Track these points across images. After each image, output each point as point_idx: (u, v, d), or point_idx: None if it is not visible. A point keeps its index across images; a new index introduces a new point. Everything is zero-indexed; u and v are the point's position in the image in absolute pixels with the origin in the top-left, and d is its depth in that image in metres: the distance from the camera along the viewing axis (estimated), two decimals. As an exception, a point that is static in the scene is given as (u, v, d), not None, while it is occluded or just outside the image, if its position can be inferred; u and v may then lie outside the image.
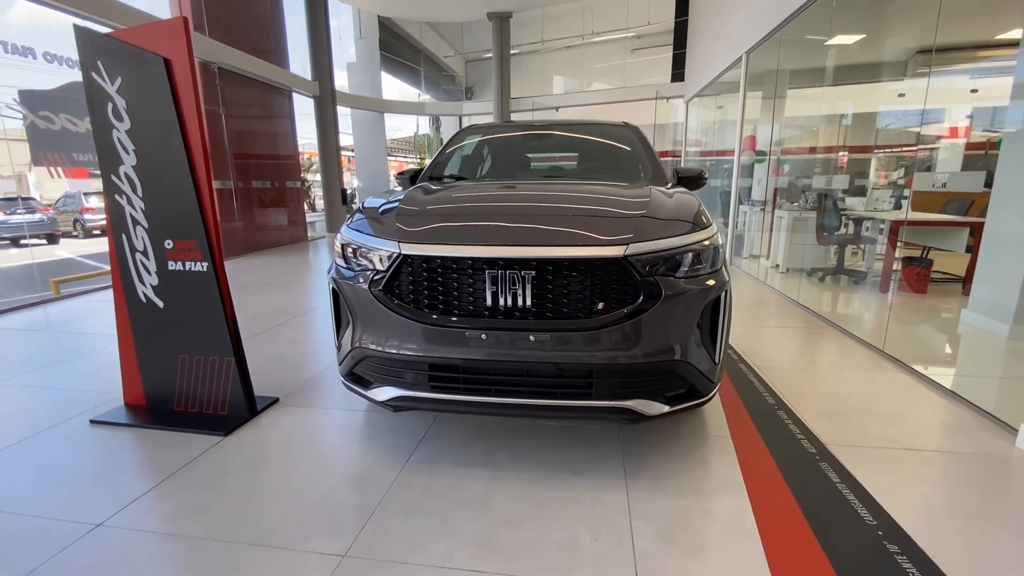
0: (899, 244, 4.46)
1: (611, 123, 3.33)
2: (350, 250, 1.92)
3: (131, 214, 2.23)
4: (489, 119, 11.32)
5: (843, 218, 5.09)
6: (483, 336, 1.69)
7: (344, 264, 1.94)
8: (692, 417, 2.34)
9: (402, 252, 1.73)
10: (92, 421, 2.32)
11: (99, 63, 2.11)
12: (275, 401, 2.53)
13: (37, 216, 13.16)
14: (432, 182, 2.81)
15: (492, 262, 1.67)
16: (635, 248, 1.66)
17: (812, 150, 6.58)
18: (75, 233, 14.76)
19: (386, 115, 12.03)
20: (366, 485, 1.85)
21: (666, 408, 1.78)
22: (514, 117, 11.26)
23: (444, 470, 1.94)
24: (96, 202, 13.35)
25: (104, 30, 2.20)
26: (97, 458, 2.05)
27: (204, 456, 2.05)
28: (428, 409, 1.89)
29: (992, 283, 3.46)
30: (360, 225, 1.95)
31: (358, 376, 1.94)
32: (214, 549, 1.53)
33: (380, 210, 2.02)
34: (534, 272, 1.66)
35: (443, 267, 1.73)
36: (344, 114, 10.78)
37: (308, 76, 8.97)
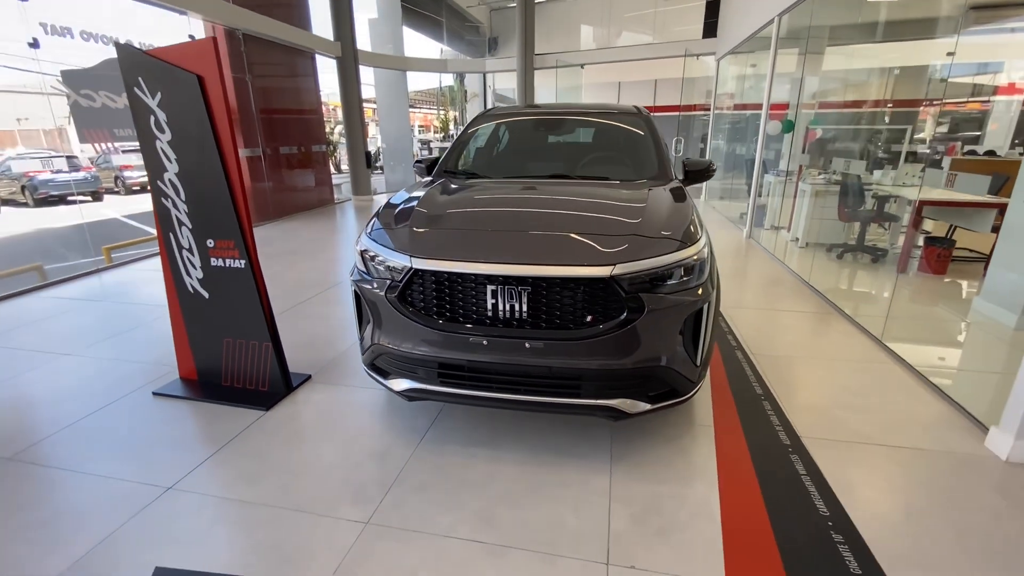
0: (921, 223, 4.40)
1: (623, 110, 3.36)
2: (369, 256, 2.14)
3: (176, 216, 2.49)
4: (512, 76, 11.03)
5: (864, 194, 4.99)
6: (484, 342, 1.91)
7: (364, 269, 2.16)
8: (681, 406, 2.55)
9: (414, 267, 1.94)
10: (154, 393, 2.70)
11: (140, 79, 2.30)
12: (308, 378, 2.85)
13: (82, 174, 13.76)
14: (448, 176, 2.97)
15: (492, 278, 1.86)
16: (621, 268, 1.82)
17: (848, 106, 6.34)
18: (117, 190, 15.42)
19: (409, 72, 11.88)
20: (386, 461, 2.16)
21: (648, 407, 1.99)
22: (537, 75, 10.95)
23: (453, 449, 2.23)
24: (135, 159, 13.77)
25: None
26: (162, 428, 2.42)
27: (250, 429, 2.39)
28: (438, 400, 2.16)
29: (1007, 269, 3.45)
30: (378, 235, 2.15)
31: (378, 367, 2.21)
32: (264, 513, 1.87)
33: (396, 218, 2.21)
34: (530, 288, 1.85)
35: (450, 280, 1.93)
36: (368, 70, 10.70)
37: (331, 37, 8.90)
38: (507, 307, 1.88)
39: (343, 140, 10.30)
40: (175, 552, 1.69)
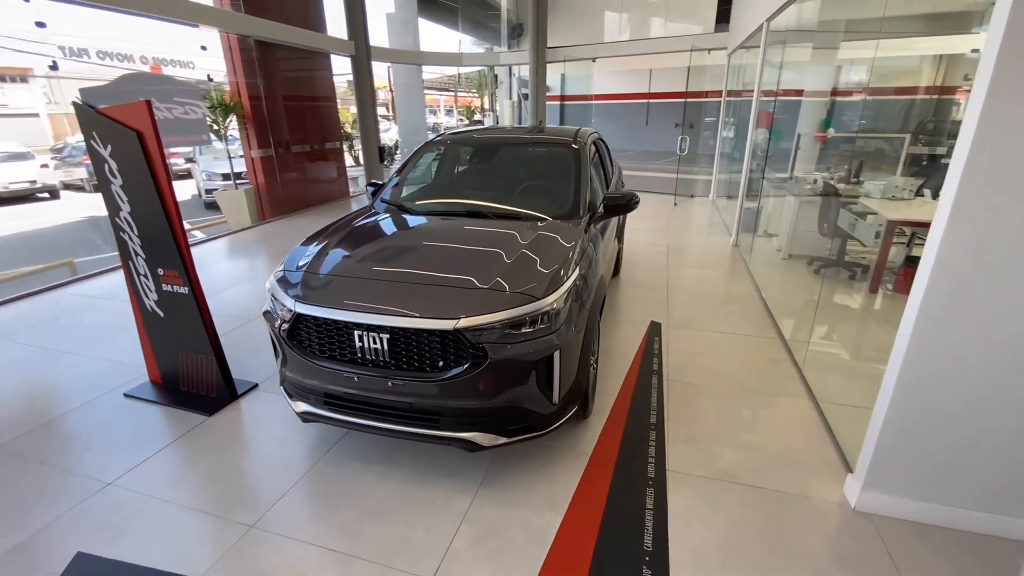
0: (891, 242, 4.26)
1: (558, 141, 3.48)
2: (271, 296, 2.44)
3: (132, 248, 2.88)
4: (525, 70, 11.00)
5: (841, 207, 4.84)
6: (355, 379, 2.18)
7: (271, 305, 2.47)
8: (572, 431, 2.74)
9: (295, 311, 2.23)
10: (125, 394, 3.16)
11: (94, 133, 2.67)
12: (255, 386, 3.23)
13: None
14: (380, 205, 3.23)
15: (357, 325, 2.12)
16: (465, 322, 2.03)
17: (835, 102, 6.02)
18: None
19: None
20: (289, 470, 2.49)
21: (503, 440, 2.21)
22: (549, 68, 10.86)
23: (350, 464, 2.54)
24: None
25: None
26: (121, 427, 2.85)
27: (190, 433, 2.80)
28: (328, 423, 2.45)
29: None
30: (279, 277, 2.45)
31: (286, 389, 2.54)
32: (175, 513, 2.25)
33: (297, 265, 2.50)
34: (388, 335, 2.10)
35: (325, 324, 2.21)
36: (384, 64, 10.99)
37: (345, 36, 9.21)
38: (371, 349, 2.14)
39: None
40: (98, 541, 2.10)
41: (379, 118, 10.15)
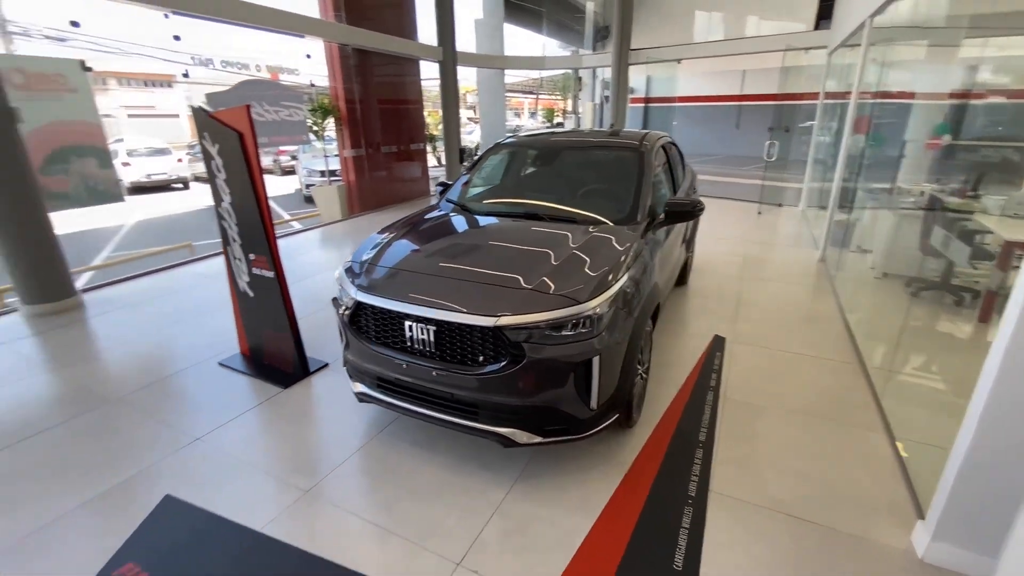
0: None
1: (623, 145, 3.44)
2: (339, 284, 2.67)
3: (231, 234, 3.28)
4: (607, 72, 10.85)
5: (951, 223, 4.27)
6: (404, 365, 2.33)
7: (339, 292, 2.71)
8: (614, 438, 2.71)
9: (356, 299, 2.42)
10: (219, 363, 3.60)
11: (206, 133, 3.08)
12: (325, 365, 3.54)
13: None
14: (446, 205, 3.39)
15: (407, 316, 2.27)
16: (505, 321, 2.09)
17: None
18: (272, 170, 18.37)
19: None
20: (344, 445, 2.71)
21: (538, 439, 2.25)
22: (633, 70, 10.63)
23: (398, 445, 2.71)
24: (289, 148, 16.27)
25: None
26: (214, 391, 3.26)
27: (267, 402, 3.13)
28: (379, 405, 2.63)
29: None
30: (346, 267, 2.68)
31: (348, 370, 2.76)
32: (247, 470, 2.54)
33: (362, 257, 2.71)
34: (435, 327, 2.22)
35: (380, 313, 2.38)
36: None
37: (435, 42, 9.69)
38: (419, 339, 2.28)
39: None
40: (184, 487, 2.43)
41: (467, 120, 10.57)
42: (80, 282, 5.50)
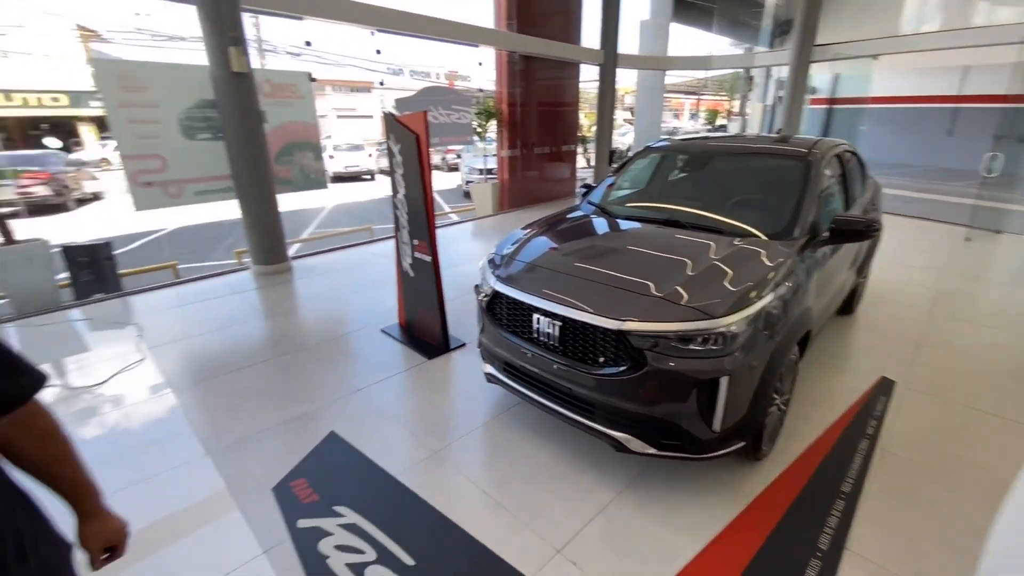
0: None
1: (788, 154, 3.14)
2: (481, 273, 2.95)
3: (401, 222, 3.82)
4: (784, 71, 9.74)
5: None
6: (528, 355, 2.50)
7: (481, 280, 2.99)
8: (738, 467, 2.54)
9: (494, 288, 2.66)
10: (381, 330, 4.21)
11: (391, 134, 3.63)
12: (463, 345, 3.91)
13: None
14: (587, 207, 3.49)
15: (536, 309, 2.43)
16: (630, 326, 2.12)
17: None
18: (440, 167, 20.33)
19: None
20: (472, 418, 3.00)
21: (652, 450, 2.24)
22: (815, 68, 9.34)
23: (517, 428, 2.90)
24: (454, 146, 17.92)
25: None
26: (374, 353, 3.85)
27: (413, 369, 3.59)
28: (504, 388, 2.84)
29: None
30: (489, 258, 2.94)
31: (480, 352, 3.04)
32: (390, 424, 2.97)
33: (504, 250, 2.95)
34: (560, 323, 2.34)
35: (514, 303, 2.58)
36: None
37: (597, 45, 9.78)
38: (545, 333, 2.42)
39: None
40: (344, 428, 2.94)
41: (623, 121, 10.50)
42: (291, 251, 6.85)
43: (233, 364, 3.67)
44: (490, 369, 2.88)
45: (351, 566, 2.01)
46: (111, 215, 11.99)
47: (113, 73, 4.78)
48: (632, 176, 3.87)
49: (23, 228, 5.27)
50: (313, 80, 6.23)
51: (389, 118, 3.65)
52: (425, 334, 3.95)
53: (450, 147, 18.08)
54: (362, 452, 2.71)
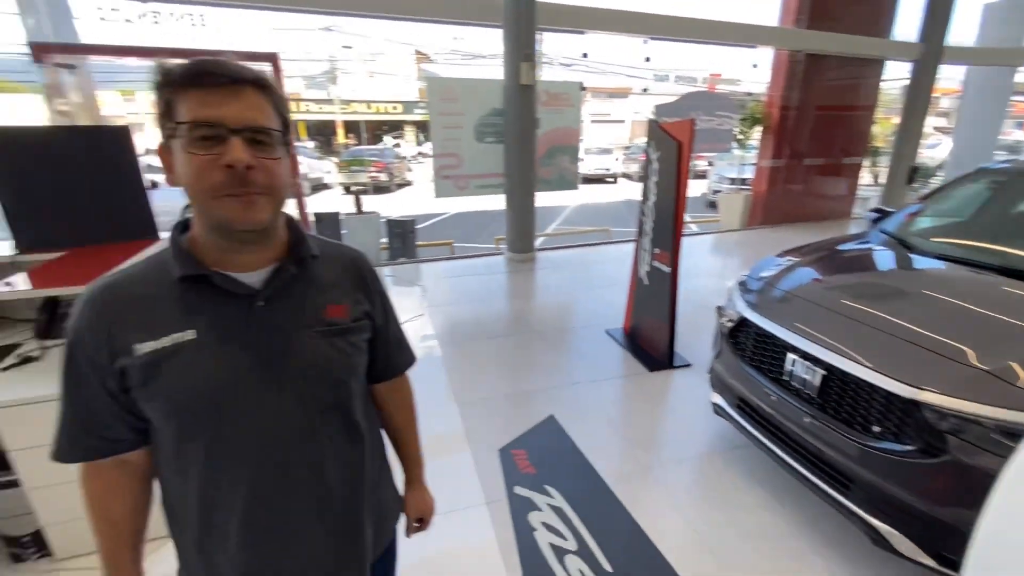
0: None
1: None
2: (729, 295, 2.72)
3: (646, 228, 3.81)
4: None
5: None
6: (772, 397, 2.22)
7: (726, 302, 2.77)
8: None
9: (742, 314, 2.43)
10: (605, 331, 4.32)
11: (651, 140, 3.63)
12: (688, 365, 3.71)
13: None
14: (880, 236, 2.87)
15: (794, 348, 2.12)
16: (931, 398, 1.66)
17: None
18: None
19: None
20: (686, 445, 2.84)
21: (927, 560, 1.74)
22: None
23: (738, 472, 2.62)
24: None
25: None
26: (597, 352, 3.97)
27: (631, 376, 3.59)
28: (732, 423, 2.57)
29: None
30: (741, 280, 2.69)
31: (711, 379, 2.84)
32: (601, 425, 3.04)
33: (760, 274, 2.65)
34: (824, 371, 1.99)
35: (763, 336, 2.30)
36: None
37: (913, 37, 7.77)
38: (800, 378, 2.10)
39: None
40: (561, 414, 3.14)
41: (932, 130, 8.19)
42: (536, 243, 7.58)
43: (482, 333, 4.29)
44: (719, 400, 2.66)
45: (554, 548, 2.15)
46: (415, 199, 15.27)
47: (438, 87, 6.05)
48: (951, 203, 2.99)
49: (366, 203, 7.18)
50: (583, 89, 6.67)
51: (652, 124, 3.66)
52: (649, 345, 3.88)
53: (702, 154, 17.07)
54: (575, 442, 2.85)
